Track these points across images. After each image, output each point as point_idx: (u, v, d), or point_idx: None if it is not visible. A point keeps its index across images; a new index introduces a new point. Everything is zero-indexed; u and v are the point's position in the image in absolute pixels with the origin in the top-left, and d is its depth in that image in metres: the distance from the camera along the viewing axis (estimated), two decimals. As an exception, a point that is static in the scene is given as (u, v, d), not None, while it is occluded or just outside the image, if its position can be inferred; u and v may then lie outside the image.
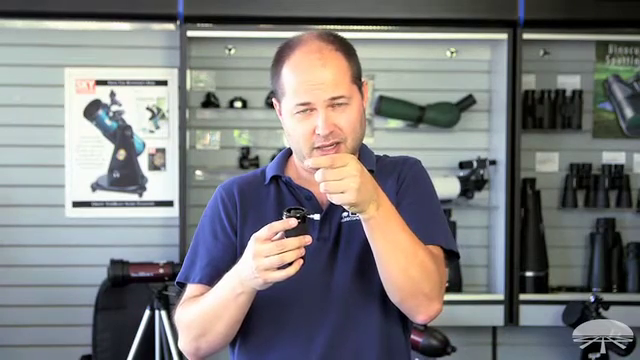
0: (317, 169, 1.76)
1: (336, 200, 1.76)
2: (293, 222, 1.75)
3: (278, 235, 1.76)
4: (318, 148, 1.91)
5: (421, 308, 1.89)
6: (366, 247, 1.86)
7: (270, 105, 4.70)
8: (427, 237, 1.90)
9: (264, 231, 1.76)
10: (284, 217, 1.76)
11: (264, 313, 1.92)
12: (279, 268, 1.75)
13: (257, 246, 1.76)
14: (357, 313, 1.92)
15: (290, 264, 1.75)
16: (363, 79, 2.00)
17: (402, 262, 1.82)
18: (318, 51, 1.91)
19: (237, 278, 1.82)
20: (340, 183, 1.74)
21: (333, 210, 1.95)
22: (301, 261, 1.75)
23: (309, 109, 1.90)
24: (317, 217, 1.81)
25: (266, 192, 2.01)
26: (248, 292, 1.82)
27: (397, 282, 1.85)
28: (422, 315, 1.90)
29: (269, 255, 1.74)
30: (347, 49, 1.95)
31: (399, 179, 1.99)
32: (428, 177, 2.03)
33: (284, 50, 1.94)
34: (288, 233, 1.75)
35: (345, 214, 1.95)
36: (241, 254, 1.82)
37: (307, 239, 1.75)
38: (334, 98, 1.89)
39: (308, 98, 1.89)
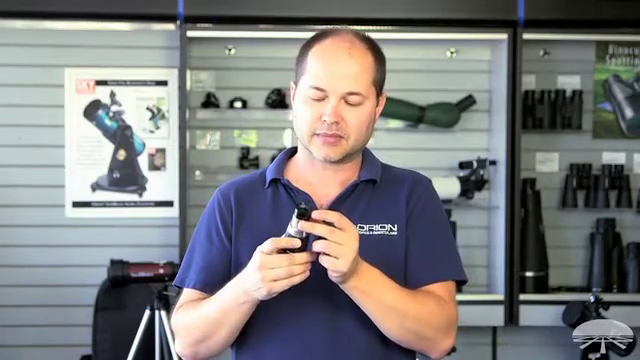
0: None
1: (327, 264, 1.74)
2: (297, 243, 1.75)
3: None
4: (319, 135, 1.90)
5: (430, 349, 1.92)
6: (366, 255, 1.82)
7: (270, 105, 4.70)
8: (441, 272, 1.93)
9: (268, 244, 1.75)
10: (294, 215, 1.73)
11: (264, 313, 1.91)
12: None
13: (264, 258, 1.75)
14: (363, 316, 1.89)
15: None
16: (383, 92, 1.98)
17: (395, 320, 1.85)
18: (349, 42, 1.91)
19: (240, 288, 1.82)
20: (339, 248, 1.73)
21: None
22: (308, 272, 1.76)
23: (322, 95, 1.89)
24: None
25: (263, 196, 1.99)
26: (251, 301, 1.83)
27: (396, 337, 1.89)
28: (433, 354, 1.93)
29: (277, 267, 1.74)
30: (378, 53, 1.94)
31: (411, 196, 1.97)
32: (439, 199, 2.03)
33: (317, 36, 1.95)
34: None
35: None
36: (236, 259, 1.81)
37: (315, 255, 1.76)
38: (350, 93, 1.88)
39: (324, 85, 1.88)
